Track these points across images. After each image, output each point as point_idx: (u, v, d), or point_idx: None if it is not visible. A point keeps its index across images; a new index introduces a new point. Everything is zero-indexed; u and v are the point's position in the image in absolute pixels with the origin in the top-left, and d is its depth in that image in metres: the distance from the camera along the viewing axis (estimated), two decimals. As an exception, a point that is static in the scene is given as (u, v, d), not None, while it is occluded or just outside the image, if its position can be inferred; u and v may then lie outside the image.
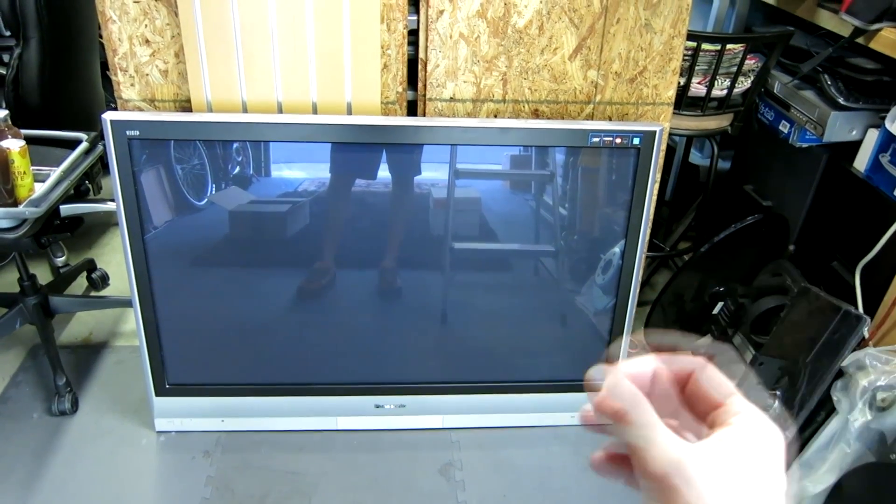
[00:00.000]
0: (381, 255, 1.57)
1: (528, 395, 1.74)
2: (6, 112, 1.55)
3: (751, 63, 1.91)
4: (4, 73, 1.99)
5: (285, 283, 1.59)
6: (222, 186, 1.45)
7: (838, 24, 1.71)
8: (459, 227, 1.55)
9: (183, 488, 1.58)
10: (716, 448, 0.33)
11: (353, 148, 1.43)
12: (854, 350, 1.50)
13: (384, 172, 1.48)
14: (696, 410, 0.37)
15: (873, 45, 1.62)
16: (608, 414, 0.35)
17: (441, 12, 1.38)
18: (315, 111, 1.41)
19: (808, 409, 1.51)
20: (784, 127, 1.93)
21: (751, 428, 0.33)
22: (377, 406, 1.70)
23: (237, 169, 1.45)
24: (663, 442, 0.33)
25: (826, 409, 1.52)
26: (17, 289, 1.86)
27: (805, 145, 1.88)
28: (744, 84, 1.93)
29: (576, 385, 1.74)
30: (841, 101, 1.73)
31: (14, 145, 1.51)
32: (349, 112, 1.42)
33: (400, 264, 1.58)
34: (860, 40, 1.64)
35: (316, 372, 1.69)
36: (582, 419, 0.39)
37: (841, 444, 1.42)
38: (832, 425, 1.48)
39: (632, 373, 0.37)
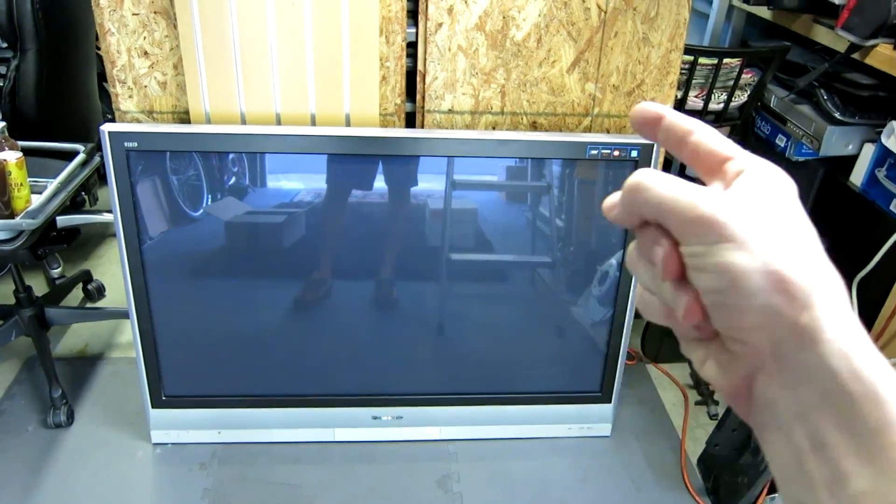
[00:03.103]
0: (378, 267, 1.57)
1: (525, 406, 1.74)
2: (3, 124, 1.55)
3: (747, 77, 1.93)
4: (1, 84, 1.99)
5: (282, 294, 1.58)
6: (219, 197, 1.45)
7: (834, 39, 1.72)
8: (456, 239, 1.55)
9: (179, 501, 1.57)
10: (746, 189, 0.30)
11: (352, 159, 1.43)
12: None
13: (382, 184, 1.48)
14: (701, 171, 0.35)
15: (869, 60, 1.64)
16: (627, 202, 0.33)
17: (440, 25, 1.39)
18: (314, 123, 1.42)
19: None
20: (781, 141, 1.94)
21: (769, 171, 0.31)
22: (374, 417, 1.70)
23: (234, 180, 1.44)
24: (696, 188, 0.31)
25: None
26: (12, 300, 1.85)
27: (801, 159, 1.89)
28: (740, 98, 1.94)
29: (573, 396, 1.74)
30: (837, 115, 1.75)
31: (11, 157, 1.51)
32: (348, 124, 1.42)
33: (397, 275, 1.58)
34: (856, 56, 1.66)
35: (313, 383, 1.68)
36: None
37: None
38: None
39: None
